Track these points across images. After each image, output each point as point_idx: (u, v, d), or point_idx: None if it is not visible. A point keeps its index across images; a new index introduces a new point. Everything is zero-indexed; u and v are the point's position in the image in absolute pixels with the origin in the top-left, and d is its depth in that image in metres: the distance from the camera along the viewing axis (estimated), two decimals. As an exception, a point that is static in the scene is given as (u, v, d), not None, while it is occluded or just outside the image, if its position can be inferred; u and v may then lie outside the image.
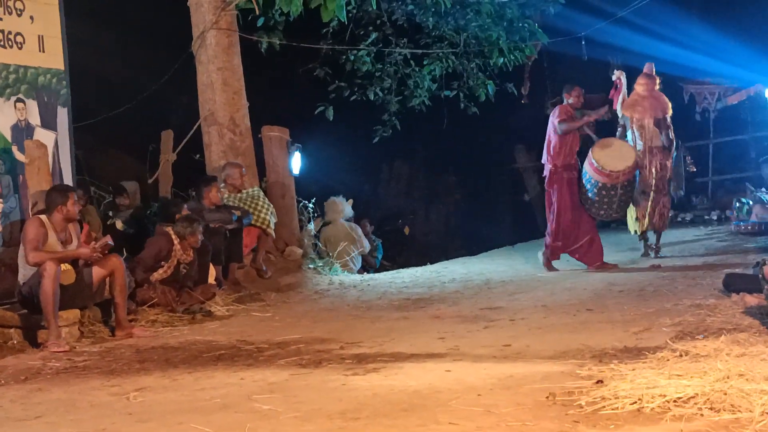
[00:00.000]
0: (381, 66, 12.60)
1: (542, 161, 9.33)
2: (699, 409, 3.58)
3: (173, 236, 7.49)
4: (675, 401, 3.68)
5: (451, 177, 17.99)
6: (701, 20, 15.07)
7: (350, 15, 11.47)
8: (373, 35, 12.34)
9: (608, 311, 6.39)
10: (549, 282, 8.29)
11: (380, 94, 12.65)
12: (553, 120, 9.08)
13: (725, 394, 3.67)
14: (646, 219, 9.30)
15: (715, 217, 13.24)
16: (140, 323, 6.93)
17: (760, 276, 5.53)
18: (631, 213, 9.47)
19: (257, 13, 10.01)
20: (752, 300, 5.90)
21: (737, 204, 11.58)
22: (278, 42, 11.00)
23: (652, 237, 9.62)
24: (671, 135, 9.36)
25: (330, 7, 9.28)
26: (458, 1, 11.83)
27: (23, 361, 5.74)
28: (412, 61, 12.72)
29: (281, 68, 12.92)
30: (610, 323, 5.90)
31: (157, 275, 7.42)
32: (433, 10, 11.83)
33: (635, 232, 9.60)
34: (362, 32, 12.44)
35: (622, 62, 13.49)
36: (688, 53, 14.17)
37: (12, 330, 6.34)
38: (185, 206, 8.11)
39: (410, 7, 12.14)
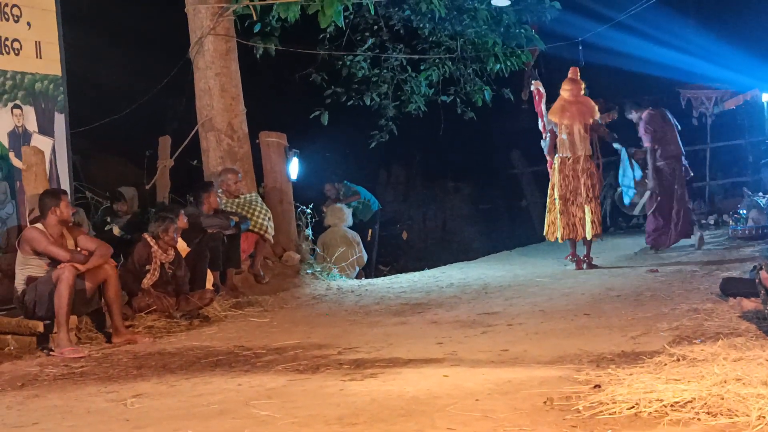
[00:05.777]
0: (377, 71, 12.62)
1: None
2: (696, 414, 3.58)
3: (149, 239, 7.51)
4: (672, 406, 3.68)
5: (449, 182, 18.00)
6: (698, 25, 15.13)
7: (347, 20, 11.49)
8: (370, 41, 12.36)
9: (605, 316, 6.39)
10: (546, 287, 8.29)
11: (377, 99, 12.66)
12: None
13: (722, 398, 3.66)
14: (564, 229, 9.01)
15: (712, 222, 13.23)
16: (137, 329, 6.91)
17: (757, 280, 5.53)
18: (552, 220, 9.16)
19: (255, 19, 10.03)
20: (749, 304, 5.90)
21: (735, 216, 11.58)
22: (274, 48, 11.00)
23: (580, 246, 9.27)
24: (614, 135, 9.68)
25: (328, 12, 9.25)
26: (455, 6, 11.85)
27: (20, 367, 5.73)
28: (408, 67, 12.73)
29: (279, 74, 12.94)
30: (607, 328, 5.90)
31: (146, 281, 7.42)
32: (429, 16, 11.85)
33: (556, 239, 9.22)
34: (359, 38, 12.46)
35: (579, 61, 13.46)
36: (685, 58, 14.21)
37: (9, 336, 6.33)
38: (182, 212, 8.12)
39: (407, 12, 12.16)
